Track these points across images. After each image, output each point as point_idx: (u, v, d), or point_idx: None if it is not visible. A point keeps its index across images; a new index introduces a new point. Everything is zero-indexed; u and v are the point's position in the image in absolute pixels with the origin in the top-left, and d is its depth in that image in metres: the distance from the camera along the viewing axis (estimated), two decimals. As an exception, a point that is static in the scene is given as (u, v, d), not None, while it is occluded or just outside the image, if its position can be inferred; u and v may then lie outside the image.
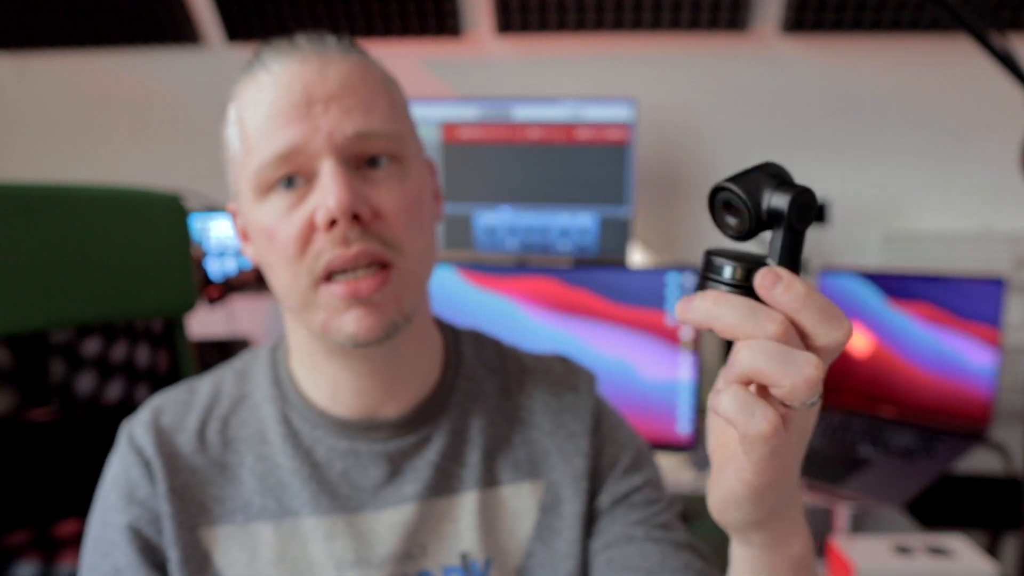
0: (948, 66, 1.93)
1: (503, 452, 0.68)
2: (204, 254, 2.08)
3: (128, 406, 0.94)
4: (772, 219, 0.41)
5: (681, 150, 2.07)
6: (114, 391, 0.93)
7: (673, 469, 1.63)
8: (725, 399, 0.38)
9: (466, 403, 0.69)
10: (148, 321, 0.98)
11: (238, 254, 2.15)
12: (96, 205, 0.90)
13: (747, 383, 0.39)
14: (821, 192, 1.93)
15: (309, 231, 0.57)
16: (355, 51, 0.60)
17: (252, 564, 0.61)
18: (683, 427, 1.49)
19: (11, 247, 0.81)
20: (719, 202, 0.43)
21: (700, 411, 1.51)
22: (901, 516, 1.40)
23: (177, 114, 2.20)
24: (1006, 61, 0.71)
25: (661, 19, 1.96)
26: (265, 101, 0.57)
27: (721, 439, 0.45)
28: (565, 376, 0.73)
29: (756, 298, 0.39)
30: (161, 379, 0.99)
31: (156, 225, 0.95)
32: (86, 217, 0.88)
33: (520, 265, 1.66)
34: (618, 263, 1.86)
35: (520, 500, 0.67)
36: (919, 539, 1.00)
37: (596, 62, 2.05)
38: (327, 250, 0.57)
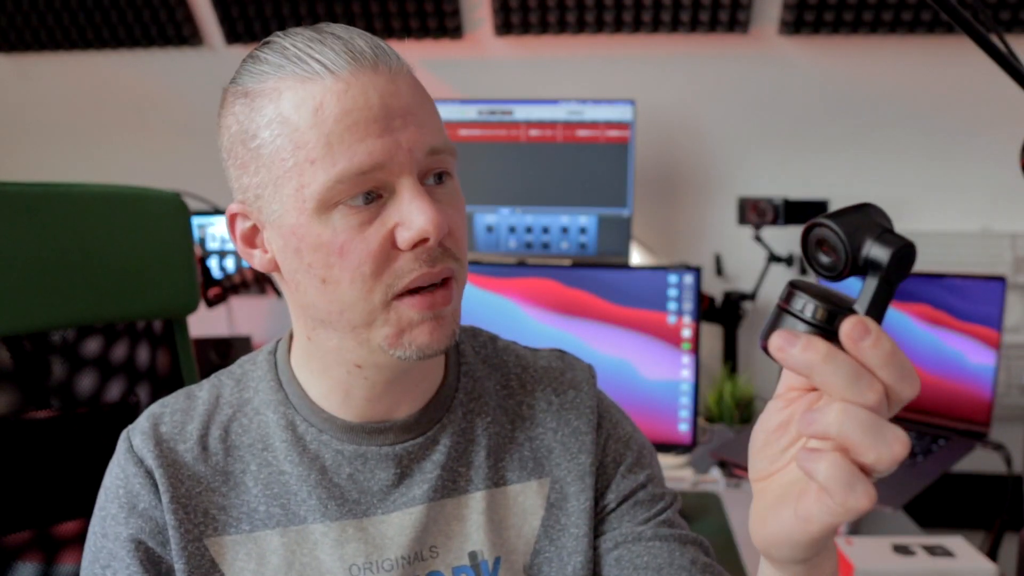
0: (948, 66, 1.94)
1: (508, 451, 0.68)
2: (205, 254, 2.08)
3: (128, 406, 0.94)
4: (868, 267, 0.40)
5: (681, 151, 2.07)
6: (114, 391, 0.93)
7: (673, 469, 1.63)
8: (824, 467, 0.37)
9: (469, 402, 0.69)
10: (149, 321, 0.98)
11: (237, 255, 2.15)
12: (97, 205, 0.89)
13: (824, 439, 0.39)
14: (821, 192, 1.94)
15: (388, 248, 0.56)
16: (401, 57, 0.60)
17: (260, 572, 0.61)
18: (683, 427, 1.49)
19: (12, 247, 0.81)
20: (814, 237, 0.42)
21: (700, 411, 1.51)
22: (901, 516, 1.40)
23: (177, 115, 2.20)
24: (1006, 61, 0.71)
25: (661, 20, 1.96)
26: (338, 110, 0.54)
27: (775, 475, 0.45)
28: (565, 372, 0.73)
29: (830, 338, 0.39)
30: (161, 379, 0.99)
31: (157, 225, 0.95)
32: (87, 217, 0.88)
33: (520, 265, 1.66)
34: (618, 263, 1.86)
35: (527, 498, 0.68)
36: (919, 539, 1.00)
37: (596, 63, 2.06)
38: (413, 268, 0.56)
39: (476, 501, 0.66)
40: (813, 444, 0.41)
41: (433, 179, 0.58)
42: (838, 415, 0.37)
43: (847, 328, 0.38)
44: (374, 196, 0.55)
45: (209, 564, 0.61)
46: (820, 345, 0.38)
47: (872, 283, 0.40)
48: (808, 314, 0.40)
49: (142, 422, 0.65)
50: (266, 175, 0.57)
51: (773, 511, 0.43)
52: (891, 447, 0.37)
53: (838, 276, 0.41)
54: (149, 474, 0.61)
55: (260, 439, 0.64)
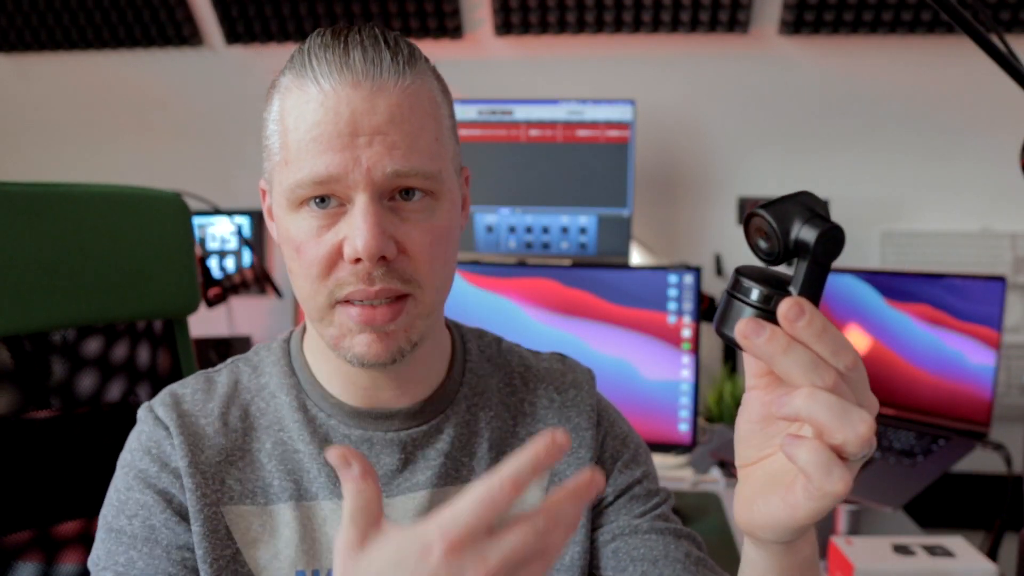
0: (948, 66, 1.94)
1: (510, 444, 0.70)
2: (205, 254, 2.08)
3: (129, 406, 0.94)
4: (799, 249, 0.43)
5: (681, 151, 2.07)
6: (115, 391, 0.93)
7: (673, 469, 1.63)
8: (804, 453, 0.41)
9: (472, 397, 0.71)
10: (149, 321, 0.98)
11: (237, 255, 2.15)
12: (98, 205, 0.90)
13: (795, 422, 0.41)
14: (821, 192, 1.94)
15: (335, 256, 0.58)
16: (409, 71, 0.59)
17: (272, 543, 0.63)
18: (683, 427, 1.49)
19: (12, 247, 0.81)
20: (753, 226, 0.45)
21: (700, 411, 1.51)
22: (901, 516, 1.40)
23: (177, 115, 2.20)
24: (1006, 61, 0.71)
25: (661, 20, 1.96)
26: (310, 119, 0.57)
27: (761, 461, 0.48)
28: (566, 373, 0.76)
29: (772, 317, 0.42)
30: (162, 379, 0.99)
31: (158, 225, 0.95)
32: (88, 217, 0.88)
33: (520, 265, 1.66)
34: (618, 263, 1.86)
35: (528, 491, 0.69)
36: (919, 539, 1.00)
37: (596, 63, 2.06)
38: (350, 283, 0.58)
39: None
40: (796, 431, 0.44)
41: (400, 196, 0.59)
42: (804, 398, 0.40)
43: (783, 309, 0.41)
44: (331, 202, 0.58)
45: (224, 531, 0.62)
46: (781, 339, 0.41)
47: (803, 265, 0.43)
48: (752, 297, 0.44)
49: (164, 395, 0.67)
50: (268, 164, 0.63)
51: (762, 497, 0.46)
52: (856, 427, 0.40)
53: (775, 260, 0.44)
54: (171, 437, 0.64)
55: (276, 420, 0.67)
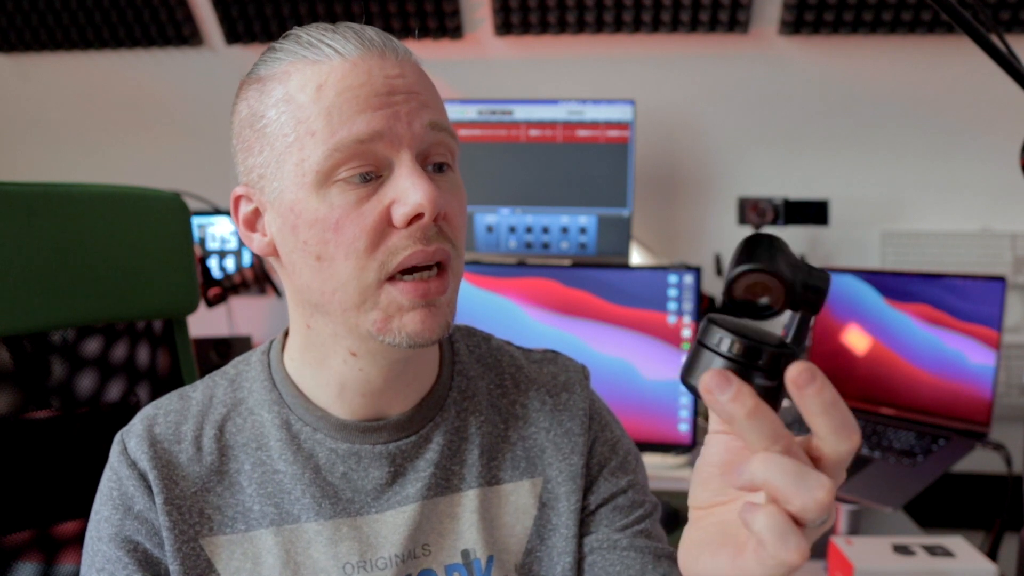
0: (948, 66, 1.94)
1: (501, 450, 0.69)
2: (205, 254, 2.08)
3: (128, 406, 0.94)
4: (806, 299, 0.41)
5: (681, 151, 2.07)
6: (114, 391, 0.93)
7: (673, 469, 1.63)
8: (762, 519, 0.37)
9: (462, 400, 0.69)
10: (149, 321, 0.98)
11: (237, 255, 2.15)
12: (97, 205, 0.89)
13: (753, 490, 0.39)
14: (821, 192, 1.94)
15: (383, 225, 0.56)
16: (409, 51, 0.62)
17: (255, 571, 0.61)
18: (683, 427, 1.49)
19: (12, 247, 0.81)
20: (744, 286, 0.42)
21: (700, 411, 1.51)
22: (901, 516, 1.40)
23: (177, 115, 2.20)
24: (1006, 61, 0.71)
25: (661, 20, 1.96)
26: (341, 85, 0.56)
27: (715, 508, 0.45)
28: (558, 374, 0.73)
29: (748, 372, 0.40)
30: (161, 379, 0.99)
31: (158, 225, 0.95)
32: (87, 217, 0.88)
33: (520, 265, 1.66)
34: (618, 263, 1.86)
35: (520, 497, 0.68)
36: (919, 539, 1.00)
37: (596, 63, 2.06)
38: (407, 246, 0.56)
39: (469, 499, 0.66)
40: (752, 498, 0.41)
41: (433, 167, 0.59)
42: (760, 464, 0.37)
43: (793, 374, 0.37)
44: (372, 176, 0.56)
45: (205, 564, 0.61)
46: (748, 400, 0.38)
47: (799, 316, 0.42)
48: (724, 349, 0.41)
49: (136, 425, 0.65)
50: (269, 153, 0.58)
51: (709, 550, 0.43)
52: (814, 493, 0.36)
53: (774, 315, 0.42)
54: (143, 476, 0.62)
55: (254, 438, 0.64)
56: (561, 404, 0.71)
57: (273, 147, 0.58)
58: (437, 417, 0.67)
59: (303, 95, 0.56)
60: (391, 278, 0.57)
